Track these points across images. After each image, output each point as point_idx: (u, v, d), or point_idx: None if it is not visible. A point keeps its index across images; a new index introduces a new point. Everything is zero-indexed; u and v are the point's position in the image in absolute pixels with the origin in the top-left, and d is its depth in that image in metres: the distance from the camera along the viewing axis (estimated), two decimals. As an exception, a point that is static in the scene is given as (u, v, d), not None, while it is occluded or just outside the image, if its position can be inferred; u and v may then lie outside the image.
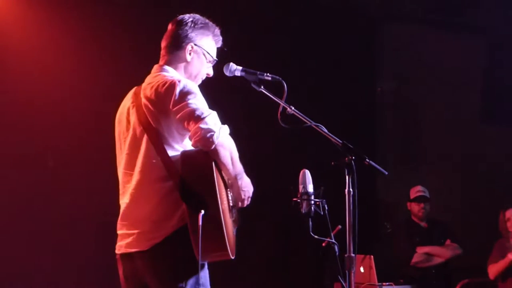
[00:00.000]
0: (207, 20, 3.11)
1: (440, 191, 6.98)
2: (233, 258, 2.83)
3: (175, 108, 2.83)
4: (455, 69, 7.26)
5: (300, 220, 3.11)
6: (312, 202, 3.09)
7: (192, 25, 3.05)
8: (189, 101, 2.83)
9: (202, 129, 2.79)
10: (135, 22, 6.06)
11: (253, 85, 3.12)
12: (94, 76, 5.88)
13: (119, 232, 3.03)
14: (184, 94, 2.84)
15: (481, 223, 6.76)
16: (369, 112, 7.59)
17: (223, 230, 2.76)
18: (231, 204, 2.99)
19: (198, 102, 2.85)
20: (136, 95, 3.02)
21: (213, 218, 2.74)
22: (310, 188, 3.12)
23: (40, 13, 5.81)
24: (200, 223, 2.68)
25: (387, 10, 7.55)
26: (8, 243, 5.58)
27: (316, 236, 3.10)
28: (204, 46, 3.08)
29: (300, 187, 3.13)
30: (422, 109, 7.63)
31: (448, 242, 6.51)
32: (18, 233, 5.63)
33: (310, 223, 3.09)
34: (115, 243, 6.27)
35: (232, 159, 2.90)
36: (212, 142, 2.80)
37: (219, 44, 3.14)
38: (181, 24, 3.06)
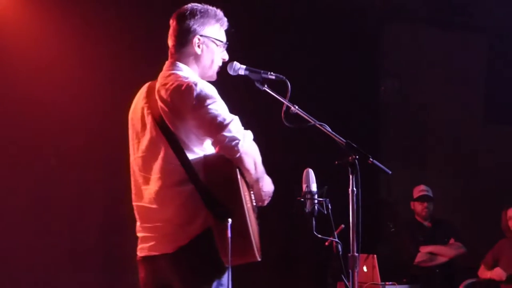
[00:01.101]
0: (205, 6, 3.02)
1: (443, 190, 6.97)
2: (259, 260, 2.78)
3: (194, 114, 2.76)
4: (458, 68, 7.25)
5: (304, 219, 3.10)
6: (316, 201, 3.09)
7: (192, 16, 2.96)
8: (210, 107, 2.76)
9: (226, 137, 2.75)
10: (139, 19, 6.04)
11: (257, 84, 3.09)
12: (97, 74, 5.87)
13: (139, 235, 2.95)
14: (203, 99, 2.77)
15: (485, 222, 6.76)
16: (372, 111, 7.58)
17: (250, 236, 2.72)
18: (254, 203, 2.94)
19: (218, 107, 2.78)
20: (150, 94, 2.93)
21: (240, 224, 2.70)
22: (314, 187, 3.11)
23: (43, 11, 5.80)
24: (229, 234, 2.65)
25: (390, 9, 7.54)
26: (9, 243, 5.57)
27: (319, 235, 3.09)
28: (211, 34, 2.99)
29: (304, 186, 3.12)
30: (425, 108, 7.62)
31: (451, 241, 6.51)
32: (18, 233, 5.61)
33: (314, 222, 3.09)
34: (115, 243, 6.25)
35: (255, 164, 2.86)
36: (237, 151, 2.76)
37: (225, 26, 3.05)
38: (181, 19, 2.97)
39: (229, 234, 2.65)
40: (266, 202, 3.05)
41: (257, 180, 2.94)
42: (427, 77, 7.46)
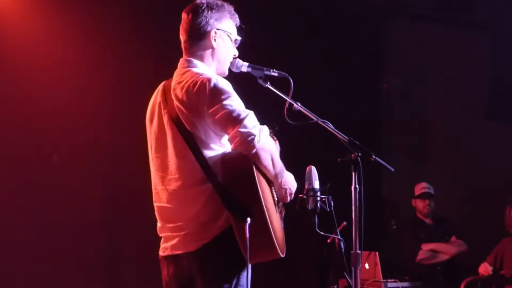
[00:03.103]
0: (220, 1, 3.00)
1: (445, 188, 6.97)
2: (283, 256, 2.78)
3: (210, 111, 2.73)
4: (460, 66, 7.24)
5: (306, 217, 3.10)
6: (318, 198, 3.08)
7: (209, 10, 2.93)
8: (224, 102, 2.73)
9: (241, 133, 2.70)
10: (144, 17, 6.03)
11: (259, 81, 3.09)
12: (101, 73, 5.87)
13: (162, 234, 2.94)
14: (217, 94, 2.74)
15: (486, 220, 6.75)
16: (374, 109, 7.58)
17: (271, 234, 2.70)
18: (275, 198, 2.93)
19: (233, 102, 2.74)
20: (166, 92, 2.91)
21: (259, 222, 2.67)
22: (316, 184, 3.10)
23: (46, 10, 5.79)
24: (248, 235, 2.62)
25: (393, 7, 7.53)
26: (10, 241, 5.57)
27: (321, 233, 3.09)
28: (226, 28, 2.98)
29: (306, 183, 3.12)
30: (427, 106, 7.62)
31: (453, 238, 6.50)
32: (20, 231, 5.61)
33: (316, 219, 3.08)
34: (117, 241, 6.24)
35: (272, 160, 2.82)
36: (253, 147, 2.71)
37: (237, 21, 3.05)
38: (197, 12, 2.93)
39: (247, 235, 2.63)
40: (288, 199, 3.01)
41: (275, 176, 2.90)
42: (429, 75, 7.45)
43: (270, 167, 2.82)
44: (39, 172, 5.72)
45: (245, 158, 2.74)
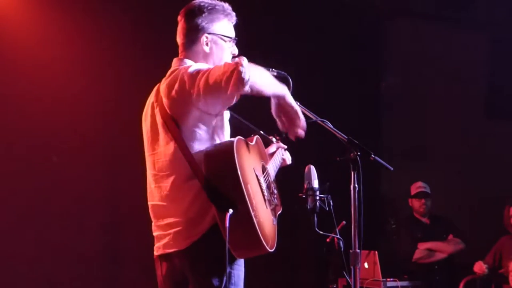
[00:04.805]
0: (213, 2, 2.98)
1: (444, 186, 6.97)
2: (271, 251, 2.76)
3: (192, 90, 2.71)
4: (460, 65, 7.24)
5: (306, 216, 3.10)
6: (317, 197, 3.09)
7: (200, 13, 2.92)
8: (203, 70, 2.71)
9: (234, 71, 2.58)
10: (144, 18, 6.03)
11: (258, 81, 3.09)
12: (100, 74, 5.87)
13: (155, 234, 2.95)
14: (195, 72, 2.73)
15: (487, 220, 6.75)
16: (373, 107, 7.58)
17: (255, 227, 2.67)
18: (265, 194, 2.90)
19: (211, 67, 2.74)
20: (158, 93, 2.93)
21: (243, 215, 2.65)
22: (316, 183, 3.11)
23: (45, 10, 5.80)
24: (227, 224, 2.61)
25: (393, 5, 7.53)
26: (10, 241, 5.57)
27: (321, 232, 3.09)
28: (219, 30, 2.96)
29: (306, 182, 3.12)
30: (426, 104, 7.62)
31: (450, 237, 6.51)
32: (20, 231, 5.62)
33: (315, 218, 3.08)
34: (117, 241, 6.24)
35: (266, 84, 2.73)
36: (243, 79, 2.58)
37: (233, 20, 3.02)
38: (189, 16, 2.94)
39: (227, 224, 2.62)
40: (299, 124, 2.90)
41: (277, 97, 2.82)
42: (428, 73, 7.45)
43: (266, 91, 2.75)
44: (39, 172, 5.72)
45: (227, 151, 2.72)
